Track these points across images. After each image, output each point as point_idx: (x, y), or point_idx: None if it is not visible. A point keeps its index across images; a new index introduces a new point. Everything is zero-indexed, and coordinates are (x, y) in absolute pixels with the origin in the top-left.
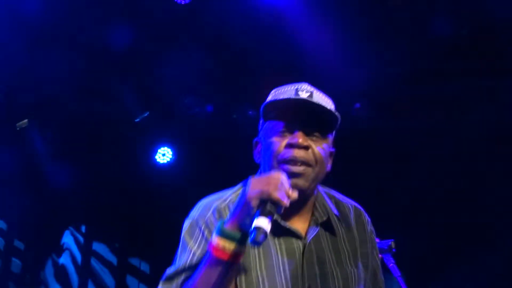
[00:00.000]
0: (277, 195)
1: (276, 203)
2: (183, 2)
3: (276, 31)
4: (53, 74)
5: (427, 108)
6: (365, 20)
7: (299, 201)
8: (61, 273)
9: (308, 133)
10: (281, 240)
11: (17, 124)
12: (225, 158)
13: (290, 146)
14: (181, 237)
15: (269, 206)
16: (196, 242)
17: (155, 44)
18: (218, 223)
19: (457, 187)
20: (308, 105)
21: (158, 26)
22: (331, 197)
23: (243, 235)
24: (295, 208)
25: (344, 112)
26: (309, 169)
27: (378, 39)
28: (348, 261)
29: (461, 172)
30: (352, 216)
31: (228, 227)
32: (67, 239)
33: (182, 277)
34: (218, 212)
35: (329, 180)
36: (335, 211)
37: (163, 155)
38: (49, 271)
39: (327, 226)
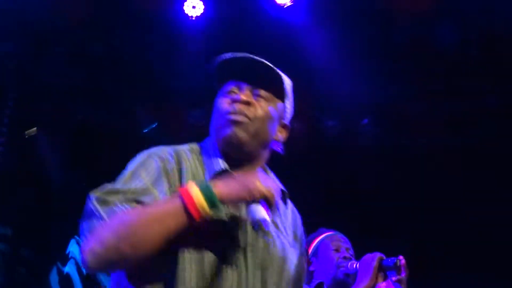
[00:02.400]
0: (274, 200)
1: (270, 204)
2: (194, 16)
3: (284, 47)
4: (62, 82)
5: (434, 125)
6: (374, 35)
7: (247, 160)
8: (66, 282)
9: (254, 93)
10: None
11: (26, 132)
12: None
13: (233, 101)
14: (131, 168)
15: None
16: (149, 175)
17: (165, 55)
18: (205, 181)
19: (463, 204)
20: (252, 64)
21: (169, 37)
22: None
23: (221, 205)
24: (243, 168)
25: (352, 128)
26: (249, 121)
27: (385, 56)
28: (285, 236)
29: (468, 189)
30: (288, 207)
31: (217, 193)
32: (73, 248)
33: (128, 196)
34: (176, 153)
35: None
36: (284, 189)
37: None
38: (54, 280)
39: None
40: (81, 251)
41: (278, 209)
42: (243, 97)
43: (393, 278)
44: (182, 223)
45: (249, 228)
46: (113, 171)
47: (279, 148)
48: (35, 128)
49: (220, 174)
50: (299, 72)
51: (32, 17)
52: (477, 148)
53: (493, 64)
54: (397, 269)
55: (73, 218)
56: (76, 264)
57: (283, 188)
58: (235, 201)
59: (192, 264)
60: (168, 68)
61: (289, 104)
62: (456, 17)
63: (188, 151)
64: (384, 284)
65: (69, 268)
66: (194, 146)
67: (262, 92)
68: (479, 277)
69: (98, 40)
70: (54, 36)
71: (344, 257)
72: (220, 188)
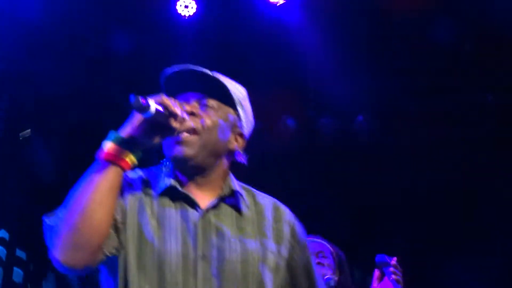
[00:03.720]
0: (169, 101)
1: (167, 108)
2: (187, 15)
3: (279, 45)
4: (57, 83)
5: (430, 122)
6: (368, 33)
7: (199, 173)
8: (62, 283)
9: (201, 104)
10: (179, 206)
11: (20, 134)
12: None
13: None
14: None
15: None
16: None
17: (159, 55)
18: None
19: (459, 202)
20: (196, 75)
21: (162, 37)
22: (245, 189)
23: (131, 140)
24: (196, 180)
25: (347, 125)
26: (195, 137)
27: (381, 52)
28: (252, 240)
29: (464, 187)
30: (269, 207)
31: (122, 132)
32: None
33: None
34: (129, 184)
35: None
36: (242, 194)
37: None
38: (51, 281)
39: (234, 205)
40: (49, 254)
41: (240, 213)
42: (188, 108)
43: (391, 277)
44: (111, 174)
45: (200, 237)
46: None
47: (241, 158)
48: (29, 130)
49: (167, 191)
50: (293, 71)
51: (26, 18)
52: (474, 144)
53: (489, 60)
54: (393, 265)
55: None
56: None
57: (238, 190)
58: (139, 126)
59: (141, 273)
60: (162, 68)
61: (243, 112)
62: (451, 12)
63: (139, 180)
64: (381, 283)
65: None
66: (148, 171)
67: (210, 102)
68: (479, 277)
69: (91, 40)
70: (47, 36)
71: (317, 263)
72: (125, 127)
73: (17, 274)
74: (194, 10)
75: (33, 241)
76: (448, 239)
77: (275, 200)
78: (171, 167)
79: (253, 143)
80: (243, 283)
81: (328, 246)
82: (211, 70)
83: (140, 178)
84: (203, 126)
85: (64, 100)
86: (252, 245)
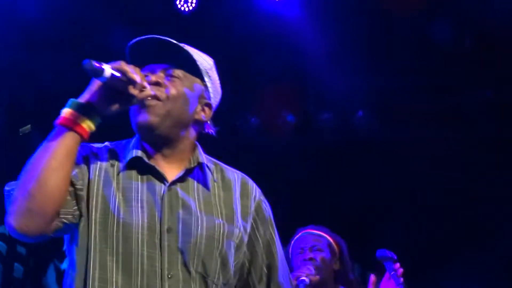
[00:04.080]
0: (127, 67)
1: (125, 74)
2: (186, 11)
3: (278, 40)
4: (57, 79)
5: (430, 118)
6: (368, 29)
7: (165, 144)
8: (62, 279)
9: (167, 74)
10: (145, 178)
11: (20, 130)
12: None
13: None
14: None
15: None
16: None
17: None
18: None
19: (458, 199)
20: (162, 45)
21: (161, 32)
22: (214, 163)
23: (88, 106)
24: (163, 152)
25: (347, 120)
26: (159, 103)
27: (380, 48)
28: (219, 215)
29: (464, 185)
30: (237, 183)
31: (81, 98)
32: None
33: None
34: (93, 153)
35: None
36: (209, 168)
37: None
38: (51, 276)
39: (200, 178)
40: (4, 221)
41: (207, 187)
42: (152, 78)
43: (391, 273)
44: (67, 140)
45: (166, 210)
46: None
47: (210, 130)
48: (29, 126)
49: (134, 162)
50: (292, 66)
51: (25, 15)
52: (475, 141)
53: (490, 57)
54: (393, 260)
55: None
56: None
57: (206, 163)
58: (96, 91)
59: (103, 244)
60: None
61: (210, 83)
62: (451, 10)
63: (105, 150)
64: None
65: (66, 265)
66: (116, 143)
67: (176, 72)
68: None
69: (90, 36)
70: (46, 33)
71: (309, 259)
72: (83, 94)
73: (18, 269)
74: (193, 5)
75: None
76: (450, 237)
77: (244, 175)
78: (138, 138)
79: (252, 138)
80: (208, 257)
81: (327, 236)
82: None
83: (107, 148)
84: (167, 95)
85: (64, 96)
86: (219, 220)
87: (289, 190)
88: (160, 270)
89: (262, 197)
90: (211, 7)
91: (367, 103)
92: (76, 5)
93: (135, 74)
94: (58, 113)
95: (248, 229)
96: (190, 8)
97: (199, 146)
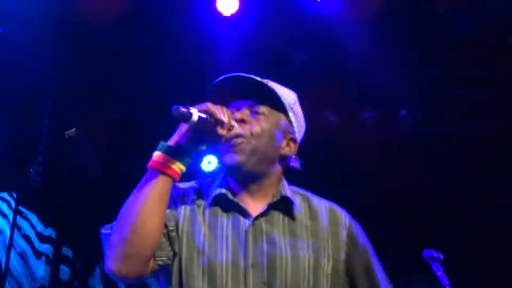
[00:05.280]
0: (215, 109)
1: (212, 115)
2: (229, 14)
3: (320, 39)
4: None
5: (476, 114)
6: (411, 25)
7: (251, 180)
8: (108, 280)
9: (252, 111)
10: (230, 215)
11: (66, 133)
12: None
13: None
14: None
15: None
16: None
17: (200, 53)
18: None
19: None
20: (246, 82)
21: (203, 36)
22: (299, 194)
23: (178, 148)
24: (249, 188)
25: (390, 119)
26: (244, 141)
27: (424, 44)
28: (305, 247)
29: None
30: (324, 213)
31: (171, 141)
32: None
33: None
34: (181, 196)
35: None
36: (294, 200)
37: (209, 163)
38: (96, 278)
39: (285, 211)
40: (104, 265)
41: (293, 218)
42: (238, 115)
43: (438, 273)
44: (159, 184)
45: (250, 246)
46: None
47: (295, 164)
48: (74, 129)
49: (219, 199)
50: (335, 65)
51: (69, 17)
52: None
53: None
54: (440, 260)
55: (113, 217)
56: None
57: (290, 196)
58: (185, 134)
59: (191, 281)
60: (204, 66)
61: (294, 117)
62: (497, 5)
63: (192, 190)
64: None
65: None
66: (202, 182)
67: (261, 109)
68: None
69: (133, 38)
70: (90, 35)
71: None
72: (173, 137)
73: (64, 271)
74: (236, 7)
75: (80, 239)
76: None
77: (331, 203)
78: (224, 175)
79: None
80: None
81: None
82: (258, 72)
83: (193, 188)
84: (251, 133)
85: (107, 97)
86: (305, 250)
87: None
88: None
89: (353, 222)
90: (252, 9)
91: (411, 99)
92: (119, 7)
93: (222, 114)
94: (101, 112)
95: (343, 257)
96: (232, 11)
97: (285, 181)
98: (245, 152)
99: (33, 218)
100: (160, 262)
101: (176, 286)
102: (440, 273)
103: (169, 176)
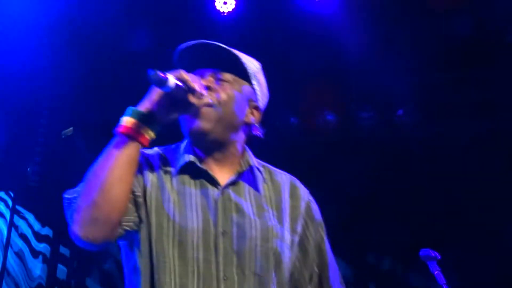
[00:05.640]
0: (187, 76)
1: (185, 82)
2: (226, 12)
3: (318, 39)
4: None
5: (474, 115)
6: (409, 26)
7: (217, 148)
8: (106, 279)
9: (216, 78)
10: (198, 183)
11: (63, 132)
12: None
13: None
14: None
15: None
16: None
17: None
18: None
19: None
20: (210, 49)
21: (200, 34)
22: (263, 166)
23: (150, 115)
24: (214, 156)
25: (388, 119)
26: (211, 110)
27: (422, 45)
28: (270, 217)
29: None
30: (286, 184)
31: (140, 106)
32: (112, 245)
33: None
34: (146, 159)
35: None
36: (260, 170)
37: None
38: (94, 277)
39: (251, 181)
40: (68, 229)
41: (258, 189)
42: (203, 83)
43: (435, 272)
44: (130, 149)
45: (220, 214)
46: None
47: (257, 132)
48: (71, 128)
49: (186, 167)
50: (333, 65)
51: (67, 16)
52: None
53: None
54: (437, 259)
55: None
56: (116, 261)
57: (260, 171)
58: (158, 101)
59: (161, 247)
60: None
61: (258, 85)
62: (495, 5)
63: (157, 157)
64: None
65: (109, 265)
66: (166, 148)
67: (225, 76)
68: None
69: (132, 38)
70: (88, 34)
71: None
72: (144, 103)
73: (61, 271)
74: (233, 6)
75: None
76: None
77: (292, 177)
78: (189, 142)
79: (294, 137)
80: (263, 259)
81: None
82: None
83: (158, 154)
84: (219, 100)
85: (104, 98)
86: (271, 222)
87: (330, 188)
88: (216, 272)
89: (311, 199)
90: (250, 7)
91: (409, 100)
92: (114, 7)
93: (195, 82)
94: (98, 113)
95: (299, 230)
96: (230, 9)
97: (248, 149)
98: (211, 120)
99: (30, 217)
100: (127, 228)
101: (145, 253)
102: (437, 272)
103: (139, 142)
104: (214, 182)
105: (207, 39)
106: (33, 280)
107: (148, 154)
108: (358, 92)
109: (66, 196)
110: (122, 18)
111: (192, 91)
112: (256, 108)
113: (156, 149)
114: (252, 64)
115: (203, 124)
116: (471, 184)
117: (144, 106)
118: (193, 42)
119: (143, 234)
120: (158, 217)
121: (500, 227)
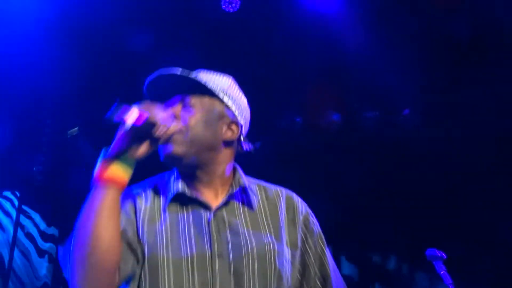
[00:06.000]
0: (149, 111)
1: (146, 119)
2: (231, 10)
3: (322, 39)
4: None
5: (479, 116)
6: (414, 26)
7: (200, 171)
8: None
9: (184, 104)
10: (190, 210)
11: (68, 132)
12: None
13: None
14: None
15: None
16: None
17: (202, 51)
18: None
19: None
20: (168, 77)
21: (205, 33)
22: (256, 183)
23: (120, 154)
24: (201, 180)
25: (392, 119)
26: (180, 136)
27: (427, 45)
28: (267, 234)
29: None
30: (282, 199)
31: (110, 151)
32: None
33: None
34: (137, 195)
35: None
36: (252, 189)
37: None
38: None
39: (244, 200)
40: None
41: (252, 207)
42: (171, 111)
43: (441, 272)
44: (107, 195)
45: (214, 236)
46: (158, 169)
47: (244, 146)
48: (76, 128)
49: (177, 197)
50: (337, 65)
51: (72, 15)
52: None
53: None
54: (443, 259)
55: None
56: None
57: (247, 185)
58: (124, 139)
59: (156, 283)
60: (207, 64)
61: (230, 101)
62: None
63: (147, 190)
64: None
65: None
66: (156, 178)
67: (191, 101)
68: None
69: (136, 37)
70: (93, 33)
71: None
72: (114, 143)
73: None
74: (237, 5)
75: None
76: (500, 232)
77: (288, 191)
78: (177, 171)
79: (298, 137)
80: (261, 278)
81: None
82: (258, 70)
83: (148, 186)
84: (185, 126)
85: (108, 97)
86: (268, 239)
87: (334, 188)
88: None
89: (309, 211)
90: (253, 7)
91: (414, 100)
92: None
93: (156, 116)
94: (102, 112)
95: (299, 244)
96: (234, 8)
97: (239, 168)
98: (182, 144)
99: (36, 217)
100: (126, 273)
101: (142, 285)
102: (443, 272)
103: (115, 184)
104: (206, 206)
105: (208, 39)
106: (39, 279)
107: (137, 190)
108: (362, 92)
109: (60, 251)
110: (126, 17)
111: (154, 124)
112: (233, 122)
113: (146, 181)
114: (220, 82)
115: (174, 149)
116: (477, 184)
117: (113, 146)
118: (155, 73)
119: (138, 270)
120: (151, 250)
121: (505, 227)
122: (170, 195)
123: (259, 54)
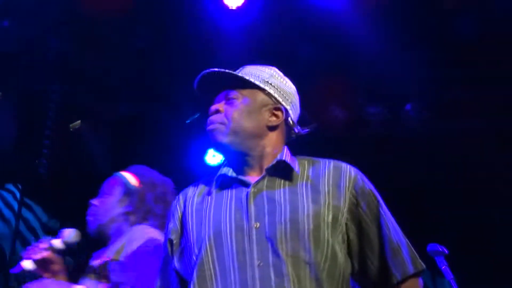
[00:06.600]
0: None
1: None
2: (234, 7)
3: (327, 33)
4: (104, 75)
5: (481, 111)
6: (419, 21)
7: (247, 156)
8: None
9: (222, 99)
10: (232, 188)
11: (71, 125)
12: None
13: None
14: None
15: None
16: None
17: (206, 46)
18: None
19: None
20: (213, 76)
21: (209, 28)
22: (301, 158)
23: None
24: (247, 163)
25: (396, 115)
26: (221, 126)
27: (431, 40)
28: (304, 200)
29: None
30: (327, 168)
31: None
32: None
33: None
34: (183, 195)
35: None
36: (291, 162)
37: (214, 156)
38: None
39: (283, 174)
40: None
41: (290, 178)
42: (212, 108)
43: (443, 267)
44: None
45: (252, 207)
46: (161, 163)
47: (296, 129)
48: (79, 121)
49: (221, 181)
50: (341, 59)
51: (76, 11)
52: None
53: None
54: (445, 254)
55: None
56: None
57: (284, 159)
58: None
59: (198, 254)
60: (210, 59)
61: (272, 89)
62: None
63: (194, 186)
64: None
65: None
66: (209, 173)
67: (233, 94)
68: None
69: (139, 32)
70: (96, 28)
71: None
72: None
73: (68, 262)
74: (242, 1)
75: (84, 231)
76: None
77: (337, 160)
78: (226, 160)
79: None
80: (295, 240)
81: None
82: (260, 60)
83: (201, 180)
84: (227, 118)
85: (112, 91)
86: (303, 202)
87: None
88: (250, 261)
89: (359, 173)
90: (258, 2)
91: (417, 95)
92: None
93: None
94: (107, 108)
95: (346, 206)
96: (238, 4)
97: (286, 148)
98: (225, 134)
99: (38, 210)
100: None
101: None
102: (444, 267)
103: None
104: (246, 184)
105: (210, 38)
106: None
107: (185, 189)
108: (366, 87)
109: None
110: (129, 14)
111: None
112: (277, 109)
113: (200, 177)
114: (262, 73)
115: (219, 138)
116: (479, 180)
117: None
118: (200, 75)
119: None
120: (198, 230)
121: (508, 223)
122: (215, 179)
123: (264, 49)
